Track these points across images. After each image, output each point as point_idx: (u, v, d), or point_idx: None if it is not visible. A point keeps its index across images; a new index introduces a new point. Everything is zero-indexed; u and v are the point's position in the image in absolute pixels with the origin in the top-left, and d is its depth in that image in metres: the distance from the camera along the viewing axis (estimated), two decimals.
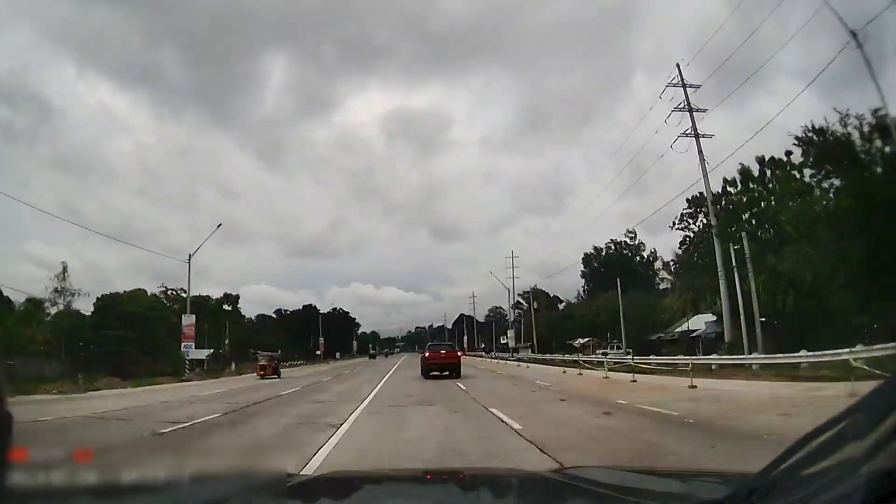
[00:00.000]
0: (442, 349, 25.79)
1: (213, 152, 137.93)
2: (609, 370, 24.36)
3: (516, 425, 9.09)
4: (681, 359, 23.01)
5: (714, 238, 28.26)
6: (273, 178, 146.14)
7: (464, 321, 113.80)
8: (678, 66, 29.77)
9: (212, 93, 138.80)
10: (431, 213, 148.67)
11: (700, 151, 27.82)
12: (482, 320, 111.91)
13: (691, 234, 42.70)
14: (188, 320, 35.86)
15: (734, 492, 1.75)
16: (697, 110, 28.88)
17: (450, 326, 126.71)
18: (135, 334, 36.18)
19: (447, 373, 23.04)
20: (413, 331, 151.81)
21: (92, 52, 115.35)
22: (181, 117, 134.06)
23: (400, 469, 5.09)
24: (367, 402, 14.39)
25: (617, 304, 42.13)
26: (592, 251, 72.65)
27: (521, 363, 45.15)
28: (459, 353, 26.91)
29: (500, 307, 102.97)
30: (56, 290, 37.77)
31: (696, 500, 1.76)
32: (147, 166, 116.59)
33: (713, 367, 21.37)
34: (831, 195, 23.60)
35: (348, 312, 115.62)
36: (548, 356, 44.66)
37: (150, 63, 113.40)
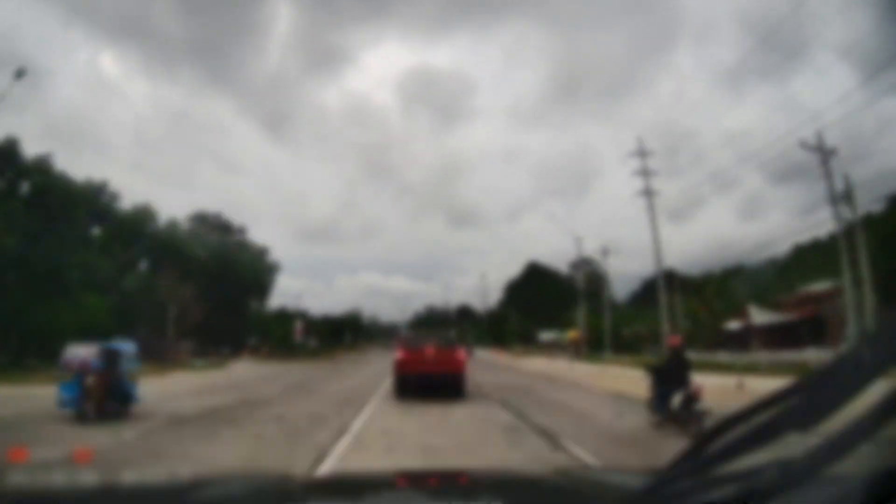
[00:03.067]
0: (429, 344, 13.23)
1: (212, 119, 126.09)
2: None
3: None
4: None
5: None
6: (278, 152, 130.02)
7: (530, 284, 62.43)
8: None
9: (209, 47, 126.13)
10: (447, 194, 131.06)
11: None
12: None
13: None
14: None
15: (735, 493, 1.75)
16: None
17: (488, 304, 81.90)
18: None
19: (442, 388, 12.55)
20: (423, 313, 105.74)
21: (79, 5, 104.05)
22: (176, 77, 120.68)
23: (402, 470, 5.09)
24: None
25: None
26: None
27: None
28: (462, 354, 13.62)
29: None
30: None
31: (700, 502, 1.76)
32: (141, 135, 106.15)
33: None
34: None
35: (246, 230, 53.20)
36: None
37: (140, 13, 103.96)
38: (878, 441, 1.01)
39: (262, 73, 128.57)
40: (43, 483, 1.61)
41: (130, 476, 1.91)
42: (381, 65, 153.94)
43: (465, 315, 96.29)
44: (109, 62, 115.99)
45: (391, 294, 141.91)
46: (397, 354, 13.30)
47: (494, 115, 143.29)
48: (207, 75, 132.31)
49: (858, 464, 1.08)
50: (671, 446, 5.06)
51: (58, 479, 1.66)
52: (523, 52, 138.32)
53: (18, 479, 1.60)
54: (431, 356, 12.86)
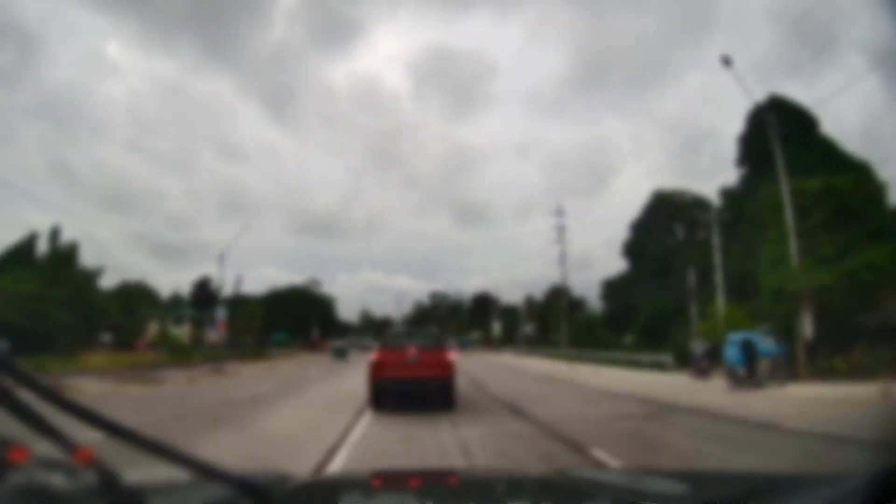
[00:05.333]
0: (411, 344, 11.33)
1: (211, 98, 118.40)
2: None
3: None
4: None
5: None
6: (279, 136, 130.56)
7: None
8: None
9: (208, 16, 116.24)
10: (455, 189, 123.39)
11: None
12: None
13: None
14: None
15: (734, 492, 1.75)
16: None
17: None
18: None
19: (427, 396, 10.77)
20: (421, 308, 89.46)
21: None
22: (173, 51, 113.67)
23: (400, 470, 5.09)
24: None
25: None
26: None
27: None
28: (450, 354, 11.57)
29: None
30: None
31: (695, 500, 1.76)
32: (136, 114, 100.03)
33: None
34: None
35: None
36: None
37: None
38: (878, 441, 1.01)
39: (265, 47, 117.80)
40: (43, 483, 1.61)
41: (130, 476, 1.92)
42: (393, 41, 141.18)
43: (485, 305, 74.55)
44: (104, 32, 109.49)
45: (393, 293, 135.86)
46: (373, 356, 11.45)
47: (510, 103, 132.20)
48: (206, 49, 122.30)
49: (858, 464, 1.09)
50: None
51: (58, 479, 1.66)
52: (547, 32, 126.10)
53: (18, 479, 1.60)
54: (414, 358, 10.81)
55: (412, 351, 11.01)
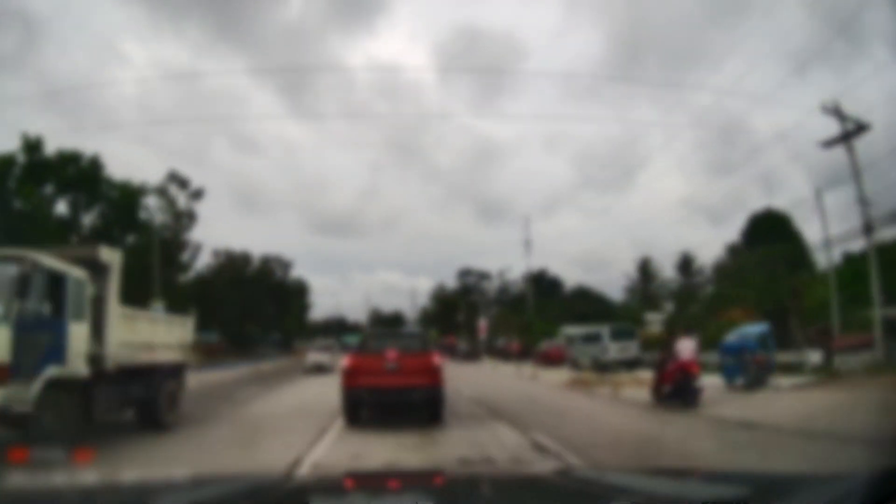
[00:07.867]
0: (391, 347, 9.90)
1: (223, 85, 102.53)
2: None
3: None
4: None
5: None
6: (297, 129, 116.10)
7: None
8: None
9: None
10: (477, 186, 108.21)
11: None
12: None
13: None
14: None
15: (735, 492, 1.75)
16: None
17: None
18: None
19: (410, 408, 9.68)
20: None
21: None
22: (183, 34, 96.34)
23: (400, 469, 5.09)
24: None
25: None
26: None
27: None
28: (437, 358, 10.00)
29: None
30: None
31: (695, 500, 1.76)
32: (146, 103, 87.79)
33: None
34: None
35: None
36: None
37: None
38: (878, 441, 1.01)
39: (280, 26, 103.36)
40: (43, 483, 1.62)
41: (130, 476, 1.92)
42: (417, 20, 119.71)
43: (543, 288, 53.85)
44: (110, 15, 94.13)
45: (410, 291, 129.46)
46: (345, 361, 10.04)
47: (539, 91, 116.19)
48: (218, 31, 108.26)
49: (858, 464, 1.09)
50: None
51: (58, 479, 1.66)
52: (581, 12, 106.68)
53: (18, 479, 1.60)
54: (394, 363, 9.44)
55: (392, 355, 9.54)
